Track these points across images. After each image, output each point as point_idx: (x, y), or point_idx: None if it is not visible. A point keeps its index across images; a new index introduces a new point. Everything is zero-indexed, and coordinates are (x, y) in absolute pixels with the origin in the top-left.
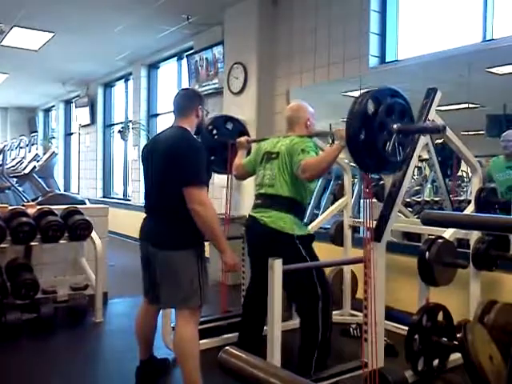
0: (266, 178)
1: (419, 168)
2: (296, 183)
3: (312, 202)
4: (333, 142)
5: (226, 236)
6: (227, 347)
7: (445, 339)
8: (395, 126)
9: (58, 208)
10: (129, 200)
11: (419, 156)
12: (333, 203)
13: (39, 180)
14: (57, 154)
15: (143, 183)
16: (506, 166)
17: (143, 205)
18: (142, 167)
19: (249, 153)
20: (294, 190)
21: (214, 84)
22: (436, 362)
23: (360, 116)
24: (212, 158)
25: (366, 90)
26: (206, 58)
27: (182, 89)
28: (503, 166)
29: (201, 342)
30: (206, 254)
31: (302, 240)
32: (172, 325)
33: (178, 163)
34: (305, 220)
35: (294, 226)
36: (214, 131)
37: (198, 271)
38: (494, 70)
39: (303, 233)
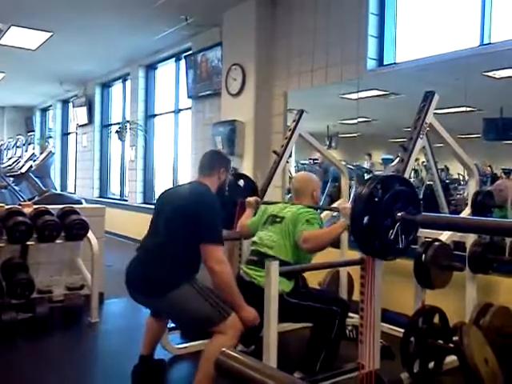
0: (266, 237)
1: (416, 171)
2: (296, 251)
3: None
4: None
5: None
6: (224, 349)
7: (441, 341)
8: (399, 215)
9: (55, 207)
10: (125, 200)
11: (416, 159)
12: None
13: (36, 179)
14: (54, 154)
15: (148, 227)
16: (499, 216)
17: (139, 245)
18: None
19: (256, 212)
20: (293, 256)
21: (211, 85)
22: (432, 364)
23: (366, 200)
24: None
25: (375, 175)
26: (206, 59)
27: (212, 150)
28: (496, 215)
29: (198, 343)
30: None
31: (289, 293)
32: (168, 326)
33: (197, 219)
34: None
35: (285, 287)
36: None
37: (203, 297)
38: (491, 73)
39: (292, 286)
